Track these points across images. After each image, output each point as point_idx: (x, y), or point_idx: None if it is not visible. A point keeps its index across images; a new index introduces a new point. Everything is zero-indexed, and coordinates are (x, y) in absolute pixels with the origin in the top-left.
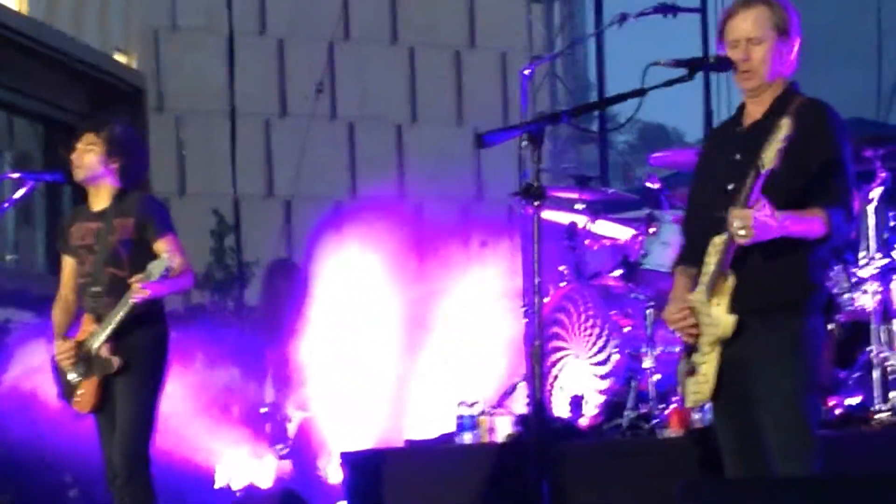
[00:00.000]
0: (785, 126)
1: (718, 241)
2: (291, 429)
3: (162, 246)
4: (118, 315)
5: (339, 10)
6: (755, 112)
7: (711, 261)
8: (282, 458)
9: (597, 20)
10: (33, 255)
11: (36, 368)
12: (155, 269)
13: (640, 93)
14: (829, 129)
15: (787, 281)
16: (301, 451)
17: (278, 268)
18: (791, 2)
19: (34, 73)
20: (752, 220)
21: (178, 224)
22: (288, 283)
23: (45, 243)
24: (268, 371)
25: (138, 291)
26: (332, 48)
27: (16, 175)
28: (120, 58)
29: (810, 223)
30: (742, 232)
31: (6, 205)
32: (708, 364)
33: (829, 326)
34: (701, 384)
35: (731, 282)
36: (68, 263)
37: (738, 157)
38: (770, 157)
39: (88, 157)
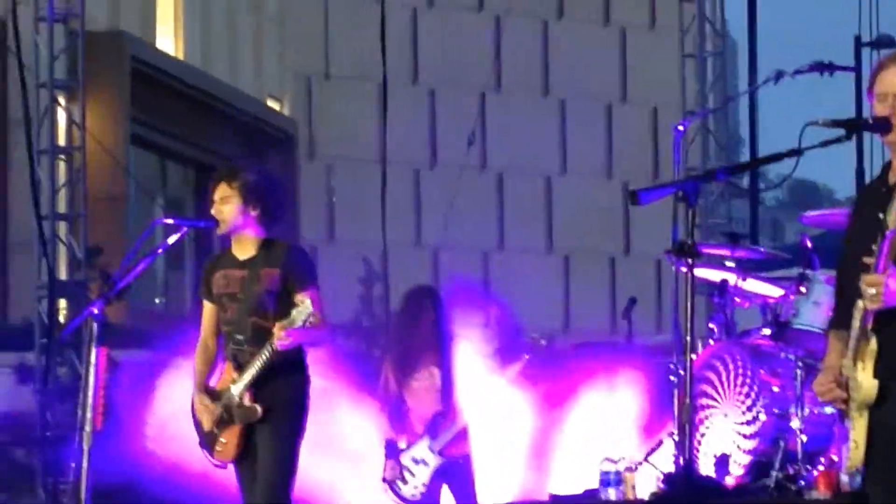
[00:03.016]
0: None
1: (861, 304)
2: (424, 473)
3: (304, 298)
4: (260, 362)
5: (491, 60)
6: None
7: (856, 325)
8: (409, 503)
9: (750, 76)
10: (181, 298)
11: (181, 413)
12: (298, 315)
13: (796, 153)
14: None
15: None
16: (433, 500)
17: (417, 297)
18: None
19: (188, 118)
20: (882, 286)
21: (326, 271)
22: (427, 314)
23: (193, 287)
24: (385, 405)
25: (281, 338)
26: (484, 99)
27: (169, 221)
28: (273, 104)
29: None
30: (872, 298)
31: (159, 250)
32: (857, 430)
33: None
34: (852, 451)
35: (873, 345)
36: (209, 309)
37: (881, 215)
38: (892, 218)
39: (226, 209)
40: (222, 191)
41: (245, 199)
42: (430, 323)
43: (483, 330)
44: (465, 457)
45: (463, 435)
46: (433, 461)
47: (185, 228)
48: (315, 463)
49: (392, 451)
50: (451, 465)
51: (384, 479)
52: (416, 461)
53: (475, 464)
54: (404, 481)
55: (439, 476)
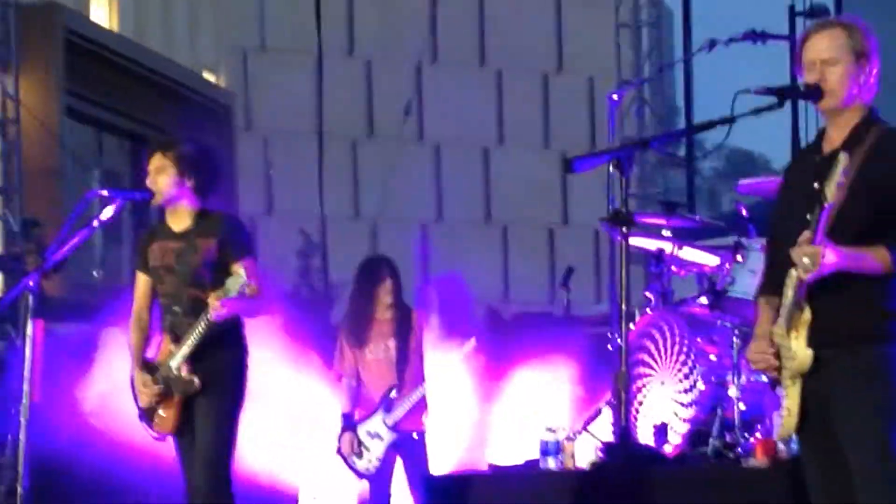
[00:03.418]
0: (842, 161)
1: (794, 273)
2: (379, 447)
3: (239, 268)
4: (196, 334)
5: (427, 32)
6: (835, 138)
7: (789, 293)
8: (365, 477)
9: (685, 45)
10: (119, 270)
11: (120, 386)
12: (232, 285)
13: (729, 121)
14: None
15: (866, 311)
16: (386, 473)
17: (373, 267)
18: (878, 27)
19: (124, 91)
20: (818, 256)
21: (264, 243)
22: (383, 285)
23: (131, 259)
24: (341, 378)
25: (216, 308)
26: (421, 70)
27: (105, 193)
28: (209, 77)
29: (871, 263)
30: (808, 268)
31: (95, 224)
32: (790, 398)
33: None
34: (785, 418)
35: (807, 314)
36: (143, 282)
37: (815, 186)
38: (830, 192)
39: (162, 179)
40: (157, 161)
41: (180, 170)
42: (386, 294)
43: (436, 309)
44: (420, 431)
45: (418, 409)
46: (387, 435)
47: (121, 201)
48: (258, 434)
49: (349, 424)
50: (405, 439)
51: (339, 452)
52: (370, 435)
53: (429, 437)
54: (360, 456)
55: (393, 449)
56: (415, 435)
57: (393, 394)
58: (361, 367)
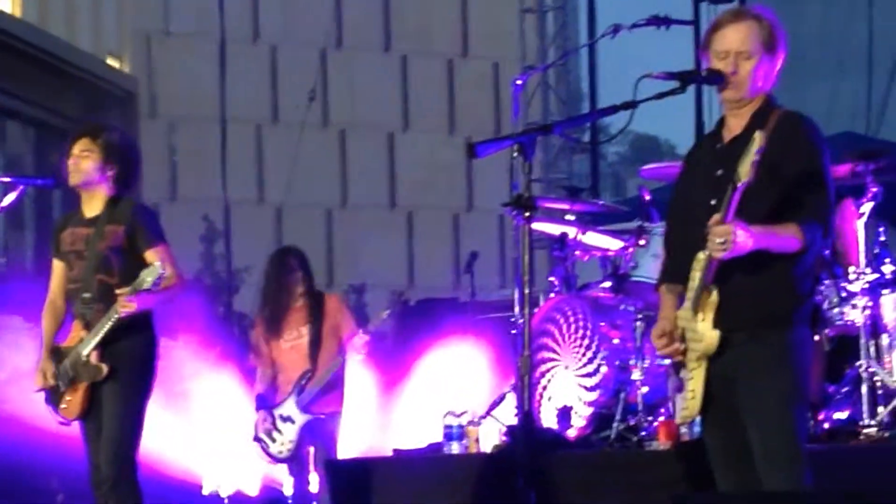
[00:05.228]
0: (758, 139)
1: (702, 256)
2: (291, 431)
3: (152, 255)
4: (106, 325)
5: (331, 17)
6: (735, 126)
7: (696, 276)
8: (280, 461)
9: (590, 31)
10: (22, 257)
11: (23, 373)
12: (147, 276)
13: (632, 105)
14: (807, 142)
15: (772, 294)
16: (303, 456)
17: (282, 258)
18: (779, 13)
19: (27, 77)
20: (731, 234)
21: (168, 229)
22: (293, 274)
23: (34, 246)
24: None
25: (124, 305)
26: (325, 55)
27: (6, 179)
28: (113, 62)
29: (785, 240)
30: (721, 247)
31: None
32: (695, 380)
33: (816, 338)
34: (689, 400)
35: (714, 297)
36: (58, 268)
37: (719, 172)
38: (745, 170)
39: (85, 163)
40: (84, 145)
41: (105, 157)
42: (296, 282)
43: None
44: (331, 414)
45: (330, 390)
46: (299, 418)
47: (22, 187)
48: (162, 422)
49: (263, 403)
50: (315, 422)
51: (255, 439)
52: (283, 418)
53: (342, 420)
54: (272, 438)
55: (306, 432)
56: (322, 416)
57: (306, 378)
58: (277, 355)
